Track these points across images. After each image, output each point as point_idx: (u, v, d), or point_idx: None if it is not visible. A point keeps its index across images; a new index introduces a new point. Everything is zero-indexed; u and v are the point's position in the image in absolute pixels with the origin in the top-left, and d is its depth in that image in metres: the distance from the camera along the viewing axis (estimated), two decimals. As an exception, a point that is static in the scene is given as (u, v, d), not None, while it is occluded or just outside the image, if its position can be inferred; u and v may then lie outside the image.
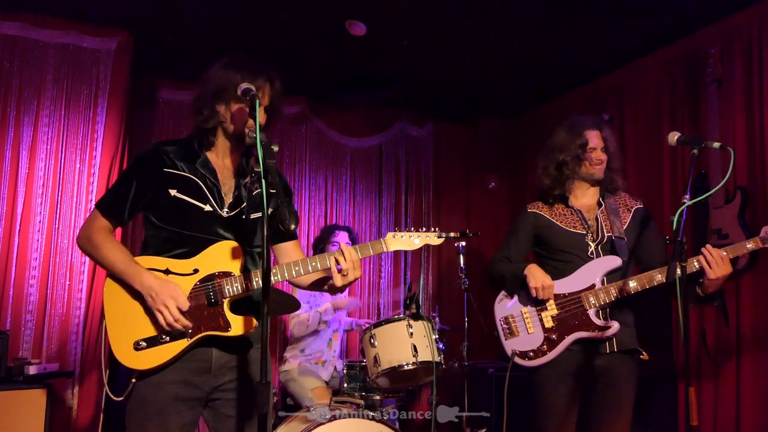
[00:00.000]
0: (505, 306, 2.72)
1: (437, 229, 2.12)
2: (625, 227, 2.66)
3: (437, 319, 3.81)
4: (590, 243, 2.63)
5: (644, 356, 2.58)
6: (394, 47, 4.31)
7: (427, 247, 5.46)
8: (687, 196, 2.15)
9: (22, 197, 3.85)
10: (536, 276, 2.59)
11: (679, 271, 2.07)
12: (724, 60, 3.74)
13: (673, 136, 2.36)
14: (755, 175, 3.57)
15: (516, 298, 2.70)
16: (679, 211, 2.12)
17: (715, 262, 2.34)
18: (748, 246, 2.40)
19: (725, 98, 3.73)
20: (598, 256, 2.61)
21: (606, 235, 2.63)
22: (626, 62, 4.47)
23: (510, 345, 2.65)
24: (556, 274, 2.63)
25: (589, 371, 2.56)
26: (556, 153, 2.72)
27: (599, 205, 2.73)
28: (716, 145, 2.30)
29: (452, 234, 2.11)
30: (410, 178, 5.67)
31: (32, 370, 3.39)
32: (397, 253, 5.45)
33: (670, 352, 3.90)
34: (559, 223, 2.70)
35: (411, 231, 2.10)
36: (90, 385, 3.86)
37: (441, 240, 2.10)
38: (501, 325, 2.69)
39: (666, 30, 4.03)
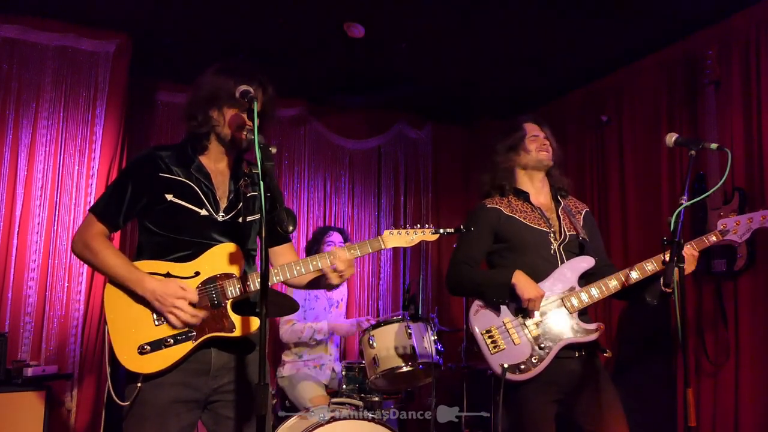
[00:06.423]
0: (485, 317, 2.49)
1: (432, 225, 2.16)
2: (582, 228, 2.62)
3: (436, 320, 3.81)
4: (552, 241, 2.53)
5: (607, 353, 2.51)
6: (392, 49, 4.31)
7: (426, 248, 5.48)
8: (685, 197, 2.15)
9: (21, 199, 3.84)
10: (528, 286, 2.40)
11: (677, 273, 2.07)
12: (722, 62, 3.75)
13: (671, 138, 2.36)
14: (753, 176, 3.57)
15: (495, 308, 2.48)
16: (676, 212, 2.12)
17: (687, 261, 2.30)
18: (711, 239, 2.46)
19: (723, 100, 3.74)
20: (560, 255, 2.51)
21: (568, 234, 2.56)
22: (625, 64, 4.47)
23: (497, 359, 2.40)
24: None
25: (566, 377, 2.43)
26: (494, 153, 2.73)
27: (557, 203, 2.65)
28: (714, 146, 2.32)
29: (448, 230, 2.14)
30: (409, 180, 5.67)
31: (31, 372, 3.39)
32: (396, 254, 5.46)
33: (669, 353, 3.91)
34: (521, 219, 2.57)
35: (407, 228, 2.13)
36: (89, 388, 3.85)
37: (436, 236, 2.13)
38: (484, 338, 2.45)
39: (664, 32, 4.04)
